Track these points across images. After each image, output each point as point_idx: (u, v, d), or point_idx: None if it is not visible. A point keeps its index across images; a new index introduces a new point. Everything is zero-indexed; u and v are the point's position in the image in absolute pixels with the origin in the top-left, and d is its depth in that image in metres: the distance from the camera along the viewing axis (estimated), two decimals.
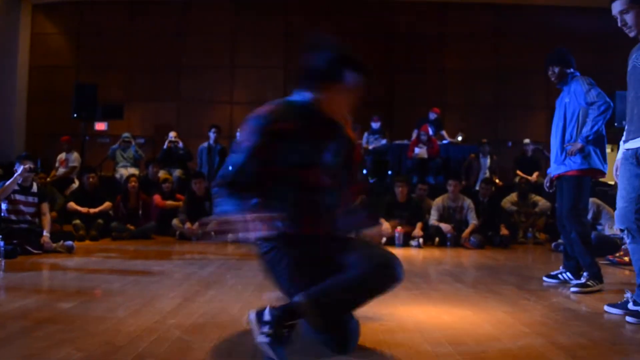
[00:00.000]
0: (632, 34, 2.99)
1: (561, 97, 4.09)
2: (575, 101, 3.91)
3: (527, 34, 11.67)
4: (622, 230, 3.02)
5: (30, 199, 5.45)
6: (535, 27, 11.72)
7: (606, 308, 3.15)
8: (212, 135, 9.31)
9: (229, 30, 11.89)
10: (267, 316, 1.96)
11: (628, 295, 3.09)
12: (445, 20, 11.94)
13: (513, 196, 7.77)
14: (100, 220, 6.82)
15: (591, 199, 6.52)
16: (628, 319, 2.77)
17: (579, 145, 3.81)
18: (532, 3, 11.64)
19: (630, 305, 3.02)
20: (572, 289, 3.72)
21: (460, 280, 4.13)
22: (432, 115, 10.25)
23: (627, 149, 3.00)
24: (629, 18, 2.93)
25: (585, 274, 3.82)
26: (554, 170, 4.06)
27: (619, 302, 3.12)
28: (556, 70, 4.07)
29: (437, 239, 6.89)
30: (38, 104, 11.70)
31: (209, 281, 3.73)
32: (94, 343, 2.18)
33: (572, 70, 4.07)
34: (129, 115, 11.31)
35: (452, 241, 6.80)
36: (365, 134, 10.12)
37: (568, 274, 4.07)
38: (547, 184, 4.17)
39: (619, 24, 3.00)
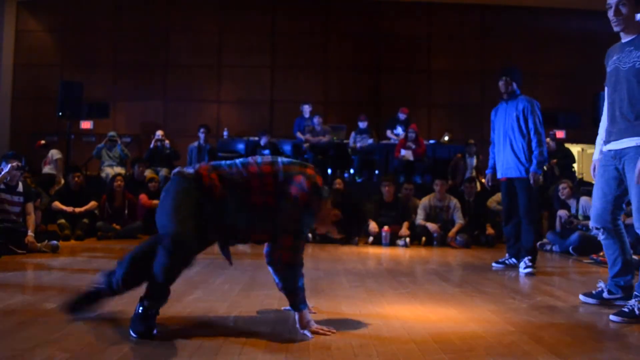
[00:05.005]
0: (617, 28, 2.95)
1: (505, 109, 4.63)
2: (522, 117, 4.50)
3: (513, 34, 11.78)
4: (597, 229, 3.15)
5: (15, 198, 5.39)
6: (521, 27, 11.84)
7: (581, 297, 3.30)
8: (201, 135, 9.32)
9: (216, 28, 11.86)
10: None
11: (601, 285, 3.24)
12: (431, 21, 12.01)
13: (499, 196, 7.78)
14: (85, 220, 6.78)
15: (586, 198, 6.57)
16: (612, 317, 2.81)
17: (538, 176, 4.44)
18: (518, 4, 11.74)
19: (605, 295, 3.19)
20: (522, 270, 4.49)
21: (447, 280, 4.16)
22: (402, 116, 10.33)
23: (610, 150, 3.01)
24: (624, 9, 2.88)
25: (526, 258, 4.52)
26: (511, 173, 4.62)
27: (594, 292, 3.26)
28: (513, 84, 4.59)
29: (423, 239, 6.91)
30: (22, 102, 11.59)
31: (195, 281, 3.71)
32: (78, 344, 2.16)
33: (518, 90, 4.63)
34: (114, 113, 11.26)
35: (439, 240, 6.83)
36: (353, 134, 10.15)
37: (525, 260, 4.54)
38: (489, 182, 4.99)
39: (611, 14, 2.92)
